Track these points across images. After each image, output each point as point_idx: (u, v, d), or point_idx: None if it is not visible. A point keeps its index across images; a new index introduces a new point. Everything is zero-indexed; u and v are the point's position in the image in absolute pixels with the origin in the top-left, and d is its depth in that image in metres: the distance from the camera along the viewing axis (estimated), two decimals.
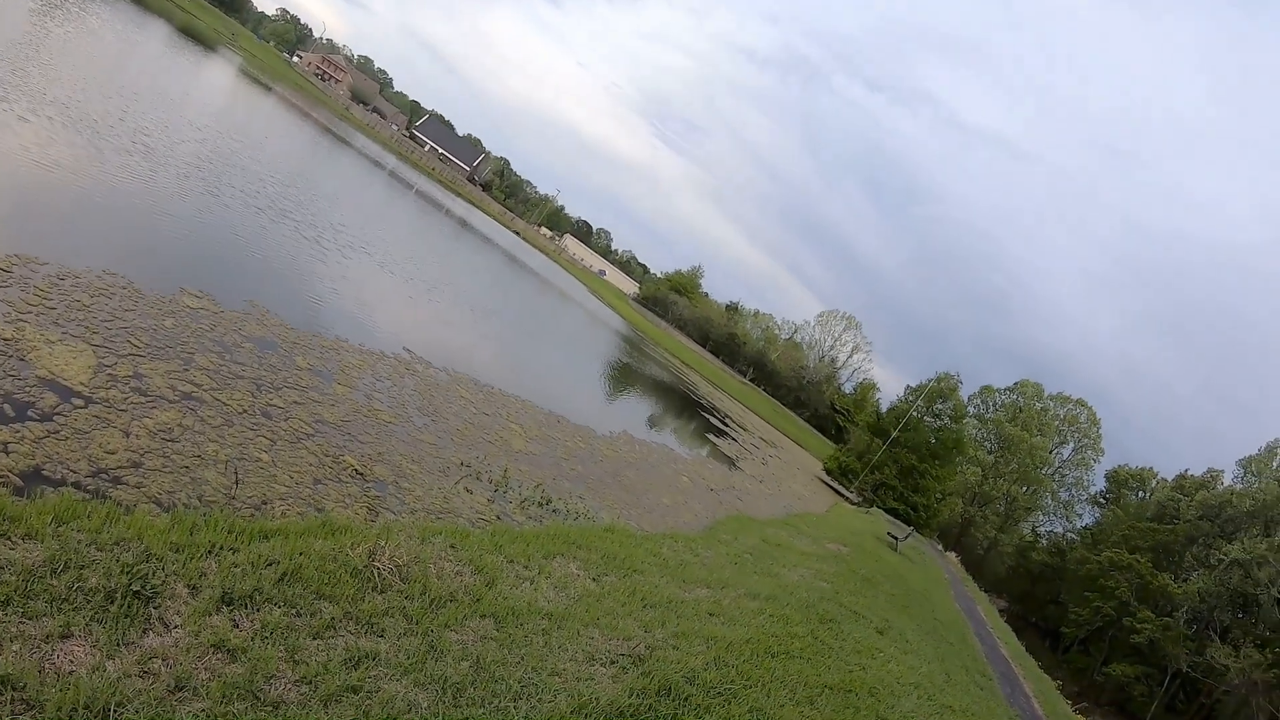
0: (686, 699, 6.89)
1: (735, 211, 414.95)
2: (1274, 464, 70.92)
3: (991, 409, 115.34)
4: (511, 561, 8.97)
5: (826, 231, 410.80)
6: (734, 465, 37.79)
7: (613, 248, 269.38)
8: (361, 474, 10.70)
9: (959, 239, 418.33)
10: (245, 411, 10.42)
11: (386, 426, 13.15)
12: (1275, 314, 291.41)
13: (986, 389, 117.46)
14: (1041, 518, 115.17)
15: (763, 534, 21.21)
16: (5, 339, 8.66)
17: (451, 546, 8.48)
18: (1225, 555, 60.20)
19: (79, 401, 8.38)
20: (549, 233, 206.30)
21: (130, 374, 9.55)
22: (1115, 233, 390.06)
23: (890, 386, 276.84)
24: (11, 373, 8.16)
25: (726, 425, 57.50)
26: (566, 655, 6.94)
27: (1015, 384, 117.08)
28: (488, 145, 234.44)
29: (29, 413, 7.71)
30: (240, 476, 8.74)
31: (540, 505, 13.91)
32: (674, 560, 12.93)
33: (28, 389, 8.06)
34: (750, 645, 9.09)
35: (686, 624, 9.11)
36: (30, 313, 9.53)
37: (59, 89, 21.00)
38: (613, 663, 7.14)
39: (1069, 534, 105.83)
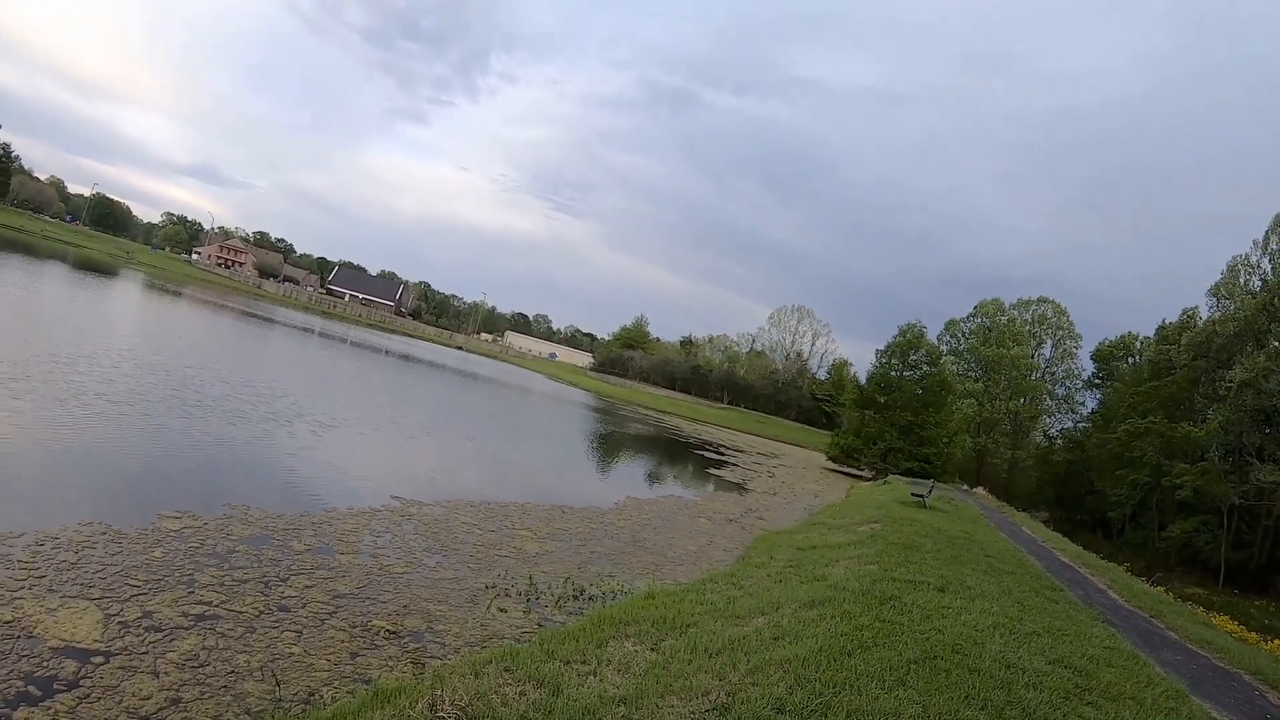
0: None
1: (652, 252, 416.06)
2: (1241, 280, 71.19)
3: (963, 340, 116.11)
4: (568, 662, 8.86)
5: (743, 238, 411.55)
6: (743, 489, 37.81)
7: (554, 328, 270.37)
8: (394, 632, 10.59)
9: (869, 197, 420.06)
10: (262, 613, 10.31)
11: (402, 577, 13.04)
12: (1174, 147, 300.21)
13: (951, 323, 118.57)
14: (1048, 420, 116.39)
15: (794, 543, 21.19)
16: (6, 621, 8.52)
17: (506, 670, 8.37)
18: (1231, 382, 60.18)
19: (99, 659, 8.26)
20: (489, 336, 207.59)
21: (139, 615, 9.43)
22: (1009, 133, 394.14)
23: (862, 357, 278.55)
24: (24, 653, 8.03)
25: (722, 454, 57.59)
26: None
27: (975, 307, 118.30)
28: (403, 274, 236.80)
29: (54, 686, 7.59)
30: (279, 677, 8.65)
31: (575, 598, 13.82)
32: (720, 601, 12.85)
33: (45, 663, 7.94)
34: (823, 653, 9.01)
35: (756, 657, 9.03)
36: (22, 587, 9.41)
37: None
38: None
39: (1080, 424, 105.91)
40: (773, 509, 31.92)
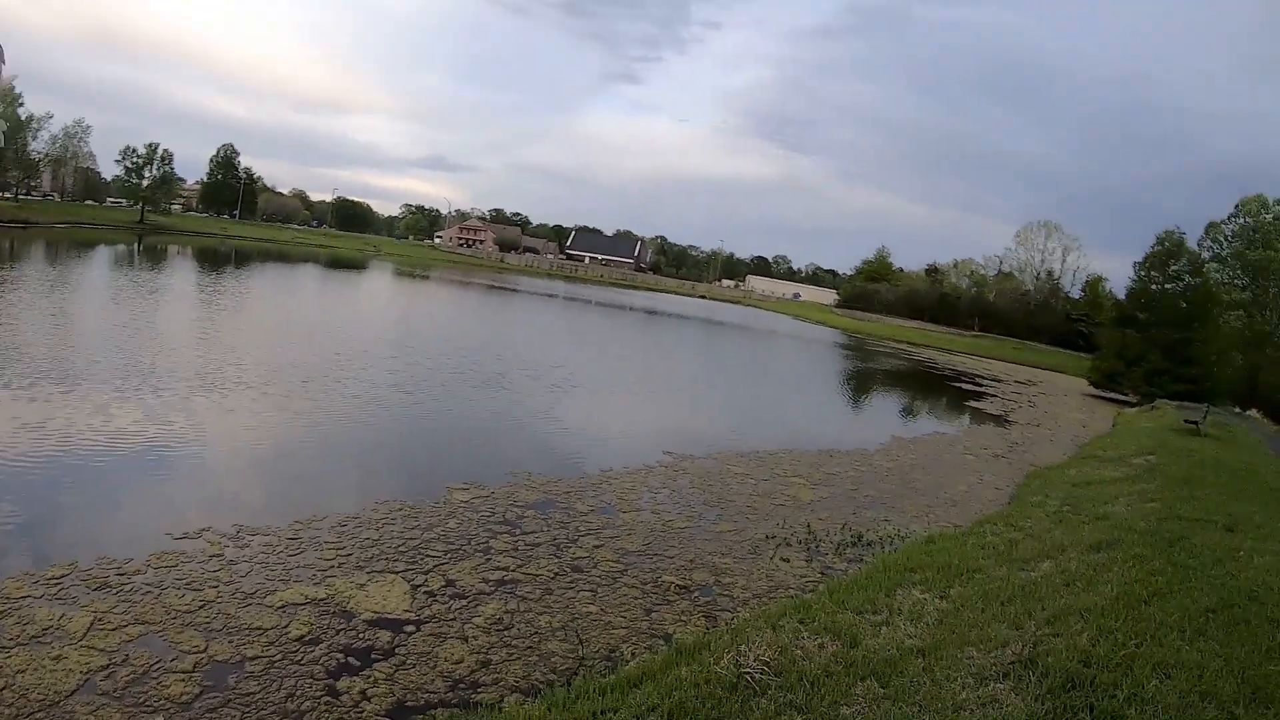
0: (1093, 683, 6.65)
1: (887, 181, 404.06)
2: None
3: (1225, 244, 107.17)
4: (859, 612, 8.93)
5: (980, 157, 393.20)
6: (1005, 421, 36.87)
7: (795, 268, 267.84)
8: (684, 587, 10.93)
9: (1108, 99, 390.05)
10: (557, 574, 10.83)
11: (684, 532, 13.45)
12: None
13: (1211, 225, 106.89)
14: None
15: (1067, 479, 20.60)
16: (321, 599, 9.22)
17: (801, 622, 8.49)
18: None
19: (410, 628, 8.88)
20: (731, 283, 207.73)
21: (443, 584, 10.07)
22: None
23: (1118, 272, 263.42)
24: (341, 627, 8.69)
25: (979, 385, 56.24)
26: (958, 685, 6.80)
27: (1237, 206, 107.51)
28: (639, 231, 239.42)
29: (371, 656, 8.20)
30: (581, 636, 9.01)
31: (854, 544, 13.89)
32: (1002, 544, 12.63)
33: (361, 635, 8.59)
34: (1120, 601, 8.75)
35: (1050, 604, 8.85)
36: (332, 566, 10.19)
37: (265, 359, 22.49)
38: (1005, 675, 6.94)
39: None
40: (1038, 442, 31.00)
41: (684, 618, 9.95)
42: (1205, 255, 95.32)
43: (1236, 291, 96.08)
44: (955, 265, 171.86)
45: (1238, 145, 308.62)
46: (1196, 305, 70.31)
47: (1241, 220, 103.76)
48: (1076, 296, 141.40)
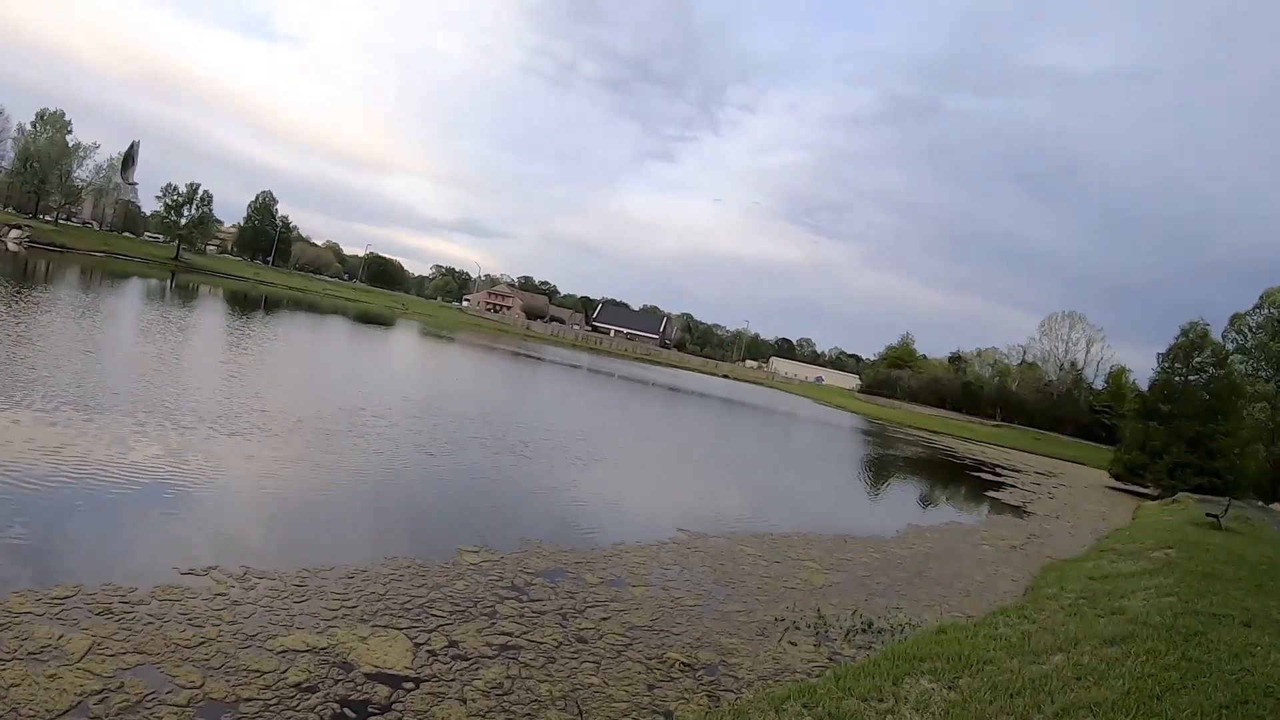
0: None
1: (912, 267, 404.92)
2: None
3: (1249, 336, 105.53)
4: (865, 700, 8.78)
5: (1005, 245, 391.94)
6: (1024, 513, 36.61)
7: (819, 351, 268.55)
8: (689, 665, 10.82)
9: (1130, 189, 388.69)
10: (561, 644, 10.75)
11: (693, 610, 13.35)
12: None
13: (1236, 317, 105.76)
14: None
15: (1084, 572, 20.31)
16: (322, 649, 9.20)
17: (805, 706, 8.37)
18: None
19: (409, 685, 8.83)
20: (754, 363, 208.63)
21: (445, 644, 10.04)
22: (1271, 96, 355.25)
23: (1142, 362, 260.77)
24: (339, 677, 8.66)
25: (999, 475, 55.89)
26: None
27: (1261, 297, 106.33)
28: (665, 307, 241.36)
29: (368, 709, 8.15)
30: (582, 707, 8.91)
31: (864, 631, 13.75)
32: (1014, 636, 12.44)
33: (359, 687, 8.55)
34: (1132, 696, 8.61)
35: (1061, 698, 8.71)
36: (335, 617, 10.19)
37: (297, 410, 22.59)
38: None
39: None
40: (1056, 534, 30.75)
41: (687, 695, 9.84)
42: (1230, 347, 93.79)
43: (1261, 383, 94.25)
44: (979, 354, 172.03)
45: (1258, 237, 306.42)
46: (1220, 397, 69.66)
47: (1266, 311, 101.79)
48: (1100, 388, 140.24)
